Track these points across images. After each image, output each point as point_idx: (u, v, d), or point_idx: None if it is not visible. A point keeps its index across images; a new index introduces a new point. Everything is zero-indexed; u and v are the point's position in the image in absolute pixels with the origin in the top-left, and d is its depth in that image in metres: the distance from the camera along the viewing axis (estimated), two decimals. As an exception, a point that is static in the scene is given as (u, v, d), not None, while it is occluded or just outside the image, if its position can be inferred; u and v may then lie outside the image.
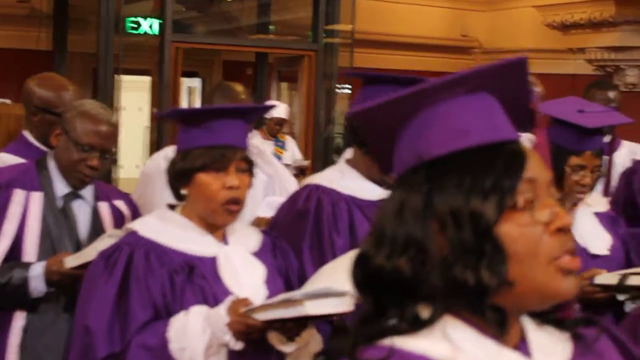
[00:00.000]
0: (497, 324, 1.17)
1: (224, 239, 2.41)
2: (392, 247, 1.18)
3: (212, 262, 2.33)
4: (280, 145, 7.62)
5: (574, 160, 2.93)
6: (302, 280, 2.49)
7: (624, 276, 2.72)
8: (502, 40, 9.97)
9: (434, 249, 1.16)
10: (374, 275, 1.19)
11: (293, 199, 2.76)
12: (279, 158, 7.51)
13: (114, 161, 2.93)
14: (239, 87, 3.47)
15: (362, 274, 1.22)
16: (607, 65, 9.20)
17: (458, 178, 1.17)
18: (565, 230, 1.17)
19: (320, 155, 8.34)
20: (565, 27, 9.28)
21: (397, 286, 1.18)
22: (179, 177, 2.36)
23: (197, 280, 2.28)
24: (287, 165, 7.29)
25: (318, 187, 2.72)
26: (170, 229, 2.35)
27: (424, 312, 1.17)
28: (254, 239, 2.49)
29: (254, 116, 2.57)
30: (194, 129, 2.34)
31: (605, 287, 2.78)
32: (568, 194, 2.97)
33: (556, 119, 2.99)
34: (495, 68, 1.22)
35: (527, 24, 9.63)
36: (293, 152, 7.73)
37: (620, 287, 2.74)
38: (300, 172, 7.55)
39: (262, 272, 2.39)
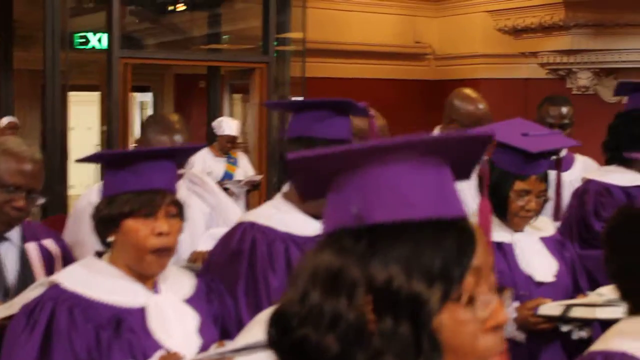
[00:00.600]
0: None
1: (154, 287, 2.30)
2: (319, 319, 1.08)
3: (141, 313, 2.23)
4: (233, 162, 7.51)
5: (519, 185, 2.87)
6: (238, 326, 2.39)
7: (568, 307, 2.67)
8: (455, 46, 9.95)
9: (368, 331, 1.07)
10: (297, 344, 1.10)
11: (227, 238, 2.66)
12: (231, 176, 7.41)
13: (43, 200, 2.80)
14: (173, 117, 3.36)
15: (279, 336, 1.12)
16: (559, 68, 9.22)
17: (403, 253, 1.08)
18: (501, 328, 1.11)
19: (275, 168, 8.26)
20: (516, 32, 9.29)
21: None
22: (105, 223, 2.26)
23: (125, 335, 2.18)
24: (239, 182, 7.21)
25: (253, 225, 2.62)
26: (96, 280, 2.25)
27: None
28: (187, 284, 2.39)
29: (184, 157, 2.47)
30: (120, 172, 2.24)
31: (548, 318, 2.73)
32: (512, 219, 2.92)
33: (500, 143, 2.93)
34: (459, 140, 1.14)
35: (479, 29, 9.62)
36: (245, 168, 7.63)
37: (564, 318, 2.69)
38: (253, 188, 7.46)
39: (195, 321, 2.30)
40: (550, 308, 2.72)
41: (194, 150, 2.62)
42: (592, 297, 2.75)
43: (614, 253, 1.81)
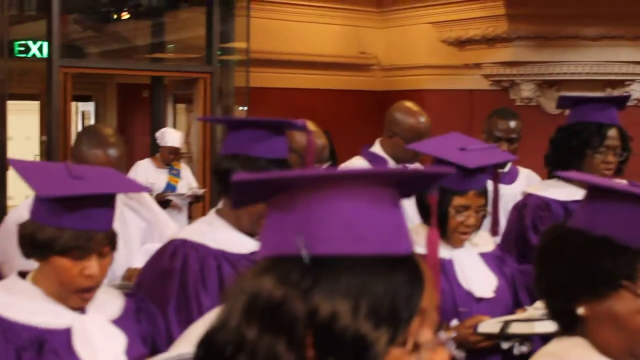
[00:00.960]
0: None
1: (80, 308, 2.23)
2: (253, 353, 1.01)
3: (66, 334, 2.16)
4: (175, 174, 7.41)
5: (458, 201, 2.85)
6: (169, 345, 2.33)
7: (506, 324, 2.65)
8: (399, 56, 9.97)
9: None
10: None
11: (158, 256, 2.60)
12: (174, 187, 7.32)
13: None
14: (107, 130, 3.29)
15: None
16: (502, 80, 9.29)
17: (351, 289, 1.00)
18: None
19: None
20: (460, 43, 9.34)
21: None
22: (33, 248, 2.17)
23: (48, 357, 2.11)
24: (181, 195, 7.13)
25: (185, 243, 2.56)
26: (18, 301, 2.17)
27: None
28: (115, 304, 2.32)
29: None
30: (56, 204, 2.11)
31: (488, 336, 2.71)
32: (452, 236, 2.90)
33: (438, 158, 2.92)
34: (417, 175, 1.08)
35: (423, 40, 9.65)
36: (188, 180, 7.55)
37: (503, 335, 2.67)
38: (195, 200, 7.38)
39: (123, 342, 2.23)
40: (489, 325, 2.70)
41: (141, 189, 2.56)
42: (530, 311, 2.74)
43: (544, 271, 1.78)
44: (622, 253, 1.64)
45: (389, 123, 4.09)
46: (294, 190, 1.06)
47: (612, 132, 3.50)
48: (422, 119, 4.05)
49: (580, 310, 1.70)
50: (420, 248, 2.83)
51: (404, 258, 1.04)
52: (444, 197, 2.85)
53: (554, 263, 1.74)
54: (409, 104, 4.17)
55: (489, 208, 2.97)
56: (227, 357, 1.02)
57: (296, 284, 1.01)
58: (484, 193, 2.90)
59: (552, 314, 1.79)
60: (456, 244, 2.92)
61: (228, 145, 2.62)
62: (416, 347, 1.01)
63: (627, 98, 3.84)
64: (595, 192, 1.76)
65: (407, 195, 1.13)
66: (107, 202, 2.15)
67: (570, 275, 1.70)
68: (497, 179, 3.17)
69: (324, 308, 0.99)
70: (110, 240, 2.18)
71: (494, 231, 3.18)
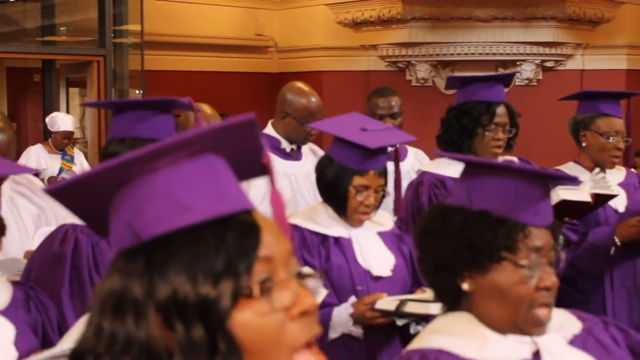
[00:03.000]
0: None
1: None
2: (112, 346, 1.02)
3: (-50, 326, 2.08)
4: (68, 160, 7.24)
5: (358, 181, 2.86)
6: (64, 332, 2.27)
7: (402, 302, 2.69)
8: (296, 38, 9.96)
9: (160, 349, 1.00)
10: None
11: (48, 241, 2.53)
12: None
13: None
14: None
15: None
16: (398, 61, 9.39)
17: (183, 261, 1.01)
18: (310, 313, 1.04)
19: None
20: (356, 25, 9.39)
21: None
22: None
23: None
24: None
25: (75, 227, 2.50)
26: None
27: None
28: (3, 294, 2.24)
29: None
30: None
31: (384, 313, 2.74)
32: (352, 215, 2.91)
33: (339, 138, 2.92)
34: (222, 129, 1.07)
35: (319, 22, 9.67)
36: (82, 166, 7.39)
37: (398, 313, 2.70)
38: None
39: (11, 333, 2.16)
40: (386, 303, 2.74)
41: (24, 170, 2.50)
42: (429, 293, 2.77)
43: (426, 250, 1.81)
44: (500, 225, 1.68)
45: (281, 103, 4.08)
46: (118, 183, 1.06)
47: (501, 110, 3.57)
48: (314, 99, 4.07)
49: (465, 286, 1.73)
50: (317, 226, 2.83)
51: (235, 216, 1.04)
52: (344, 176, 2.86)
53: (436, 241, 1.77)
54: (300, 84, 4.17)
55: (389, 188, 3.00)
56: (90, 351, 1.03)
57: (134, 272, 1.03)
58: (383, 173, 2.92)
59: (437, 293, 1.81)
60: (356, 223, 2.93)
61: (115, 128, 2.57)
62: (266, 293, 1.02)
63: (512, 75, 3.93)
64: (470, 169, 1.80)
65: (250, 168, 1.13)
66: None
67: (453, 251, 1.73)
68: (398, 159, 3.20)
69: (162, 289, 1.00)
70: None
71: (397, 210, 3.22)
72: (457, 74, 8.21)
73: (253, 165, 1.15)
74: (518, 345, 1.70)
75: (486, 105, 3.55)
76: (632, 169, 4.00)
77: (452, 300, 1.77)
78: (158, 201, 1.04)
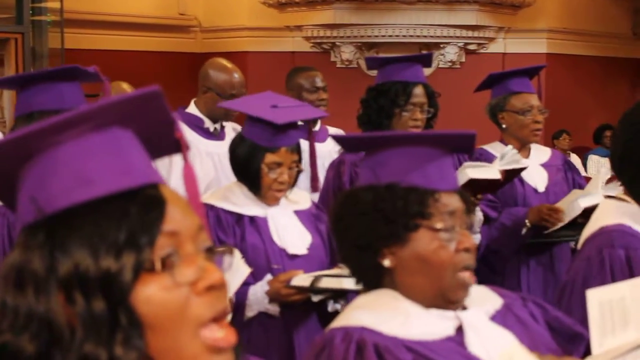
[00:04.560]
0: None
1: None
2: (15, 321, 1.00)
3: None
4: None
5: (270, 158, 2.85)
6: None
7: (317, 278, 2.69)
8: (220, 18, 9.87)
9: (61, 324, 0.99)
10: None
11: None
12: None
13: None
14: None
15: None
16: (323, 42, 9.39)
17: (85, 235, 0.99)
18: (216, 288, 1.03)
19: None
20: (281, 5, 9.35)
21: None
22: None
23: None
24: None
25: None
26: None
27: None
28: None
29: None
30: None
31: (299, 289, 2.74)
32: (266, 193, 2.90)
33: (250, 116, 2.91)
34: (126, 101, 1.05)
35: (244, 2, 9.60)
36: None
37: (313, 289, 2.71)
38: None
39: None
40: (302, 279, 2.74)
41: None
42: (344, 269, 2.78)
43: (342, 235, 1.81)
44: (410, 193, 1.70)
45: (203, 79, 4.07)
46: (23, 156, 1.04)
47: (418, 90, 3.60)
48: (236, 75, 4.06)
49: (387, 262, 1.74)
50: (232, 206, 2.80)
51: (138, 190, 1.03)
52: (256, 154, 2.85)
53: (351, 223, 1.77)
54: (222, 60, 4.15)
55: (303, 166, 2.99)
56: None
57: (34, 246, 1.01)
58: (296, 149, 2.91)
59: (359, 275, 1.82)
60: (271, 201, 2.92)
61: (20, 105, 2.52)
62: (169, 267, 1.01)
63: (430, 56, 3.95)
64: (371, 146, 1.81)
65: (164, 145, 1.12)
66: None
67: (369, 229, 1.73)
68: (312, 137, 3.19)
69: (64, 264, 0.99)
70: None
71: (313, 187, 3.21)
72: (382, 55, 8.24)
73: (166, 140, 1.13)
74: (441, 321, 1.71)
75: (403, 85, 3.58)
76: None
77: (375, 281, 1.77)
78: (61, 175, 1.03)
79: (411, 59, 3.73)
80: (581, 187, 3.89)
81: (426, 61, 3.81)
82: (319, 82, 4.48)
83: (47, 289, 0.99)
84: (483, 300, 1.81)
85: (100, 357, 0.97)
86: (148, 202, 1.03)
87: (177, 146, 1.13)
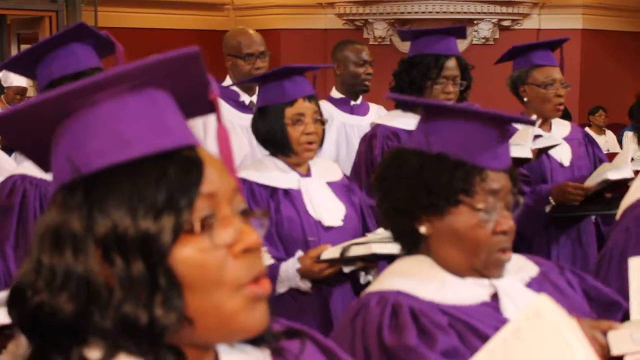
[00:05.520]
0: None
1: None
2: (51, 280, 1.00)
3: None
4: (21, 116, 7.10)
5: (290, 112, 2.85)
6: (9, 284, 2.24)
7: (346, 248, 2.67)
8: (253, -4, 9.88)
9: (99, 284, 0.99)
10: (33, 313, 1.00)
11: (-5, 192, 2.49)
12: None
13: None
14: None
15: (19, 311, 1.02)
16: (355, 19, 9.35)
17: (123, 195, 0.99)
18: (252, 250, 1.03)
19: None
20: (313, -18, 9.33)
21: (60, 326, 1.00)
22: None
23: None
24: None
25: (24, 178, 2.47)
26: None
27: (95, 353, 1.00)
28: None
29: None
30: None
31: (330, 262, 2.73)
32: (297, 148, 2.88)
33: (260, 82, 2.97)
34: (163, 61, 1.04)
35: (277, -21, 9.59)
36: (35, 122, 7.25)
37: (344, 259, 2.69)
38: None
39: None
40: (331, 252, 2.73)
41: None
42: (370, 236, 2.77)
43: (384, 194, 1.80)
44: (457, 168, 1.68)
45: (224, 50, 4.13)
46: (59, 116, 1.04)
47: (450, 63, 3.57)
48: (250, 32, 4.15)
49: (423, 229, 1.73)
50: (265, 179, 2.80)
51: (175, 151, 1.03)
52: (276, 115, 2.85)
53: (394, 185, 1.76)
54: (240, 26, 4.20)
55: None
56: (30, 298, 1.01)
57: (72, 206, 1.01)
58: (313, 99, 2.90)
59: (396, 236, 1.81)
60: (305, 157, 2.89)
61: (41, 79, 2.52)
62: (207, 228, 1.01)
63: (463, 28, 3.90)
64: (429, 112, 1.79)
65: (198, 104, 1.12)
66: None
67: (411, 194, 1.73)
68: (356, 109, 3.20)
69: (101, 223, 0.99)
70: None
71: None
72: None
73: (200, 101, 1.13)
74: (476, 288, 1.71)
75: (435, 57, 3.55)
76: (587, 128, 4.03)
77: (411, 244, 1.77)
78: (99, 135, 1.02)
79: (444, 31, 3.70)
80: (602, 160, 3.84)
81: (460, 34, 3.77)
82: (366, 56, 4.46)
83: (85, 249, 0.99)
84: (519, 268, 1.80)
85: (140, 318, 0.98)
86: (186, 163, 1.02)
87: (211, 107, 1.13)
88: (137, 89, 1.04)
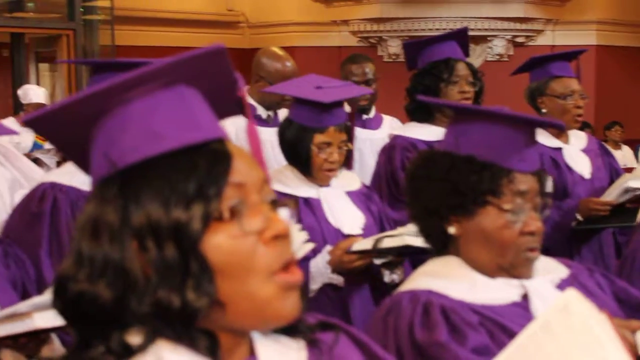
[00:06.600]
0: (208, 350, 1.06)
1: None
2: (91, 269, 1.05)
3: None
4: (41, 132, 7.15)
5: (319, 138, 2.88)
6: (42, 290, 2.27)
7: (378, 240, 2.69)
8: (268, 14, 9.94)
9: (135, 271, 1.04)
10: (75, 302, 1.05)
11: (26, 200, 2.53)
12: (41, 146, 7.08)
13: None
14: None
15: (62, 301, 1.07)
16: (370, 36, 9.40)
17: (156, 187, 1.04)
18: (282, 237, 1.07)
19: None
20: (328, 0, 9.37)
21: (100, 312, 1.04)
22: None
23: None
24: (48, 151, 6.90)
25: (54, 186, 2.50)
26: None
27: (135, 338, 1.05)
28: None
29: None
30: None
31: (362, 253, 2.75)
32: (318, 174, 2.92)
33: (296, 98, 2.95)
34: (191, 58, 1.09)
35: (291, -3, 9.65)
36: (54, 138, 7.30)
37: (375, 250, 2.71)
38: (63, 159, 7.16)
39: (-9, 287, 2.16)
40: (362, 244, 2.75)
41: None
42: (401, 229, 2.79)
43: (414, 195, 1.83)
44: (485, 170, 1.71)
45: (255, 67, 4.09)
46: (94, 114, 1.09)
47: (460, 64, 3.60)
48: (288, 63, 4.08)
49: (452, 230, 1.76)
50: (285, 187, 2.82)
51: (205, 144, 1.08)
52: (305, 136, 2.87)
53: (424, 186, 1.79)
54: (275, 49, 4.19)
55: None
56: (71, 288, 1.06)
57: (109, 198, 1.06)
58: (344, 128, 2.93)
59: (426, 237, 1.84)
60: (323, 181, 2.94)
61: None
62: (237, 216, 1.06)
63: (465, 31, 3.90)
64: (459, 115, 1.82)
65: (227, 104, 1.16)
66: None
67: (440, 195, 1.76)
68: (353, 118, 3.23)
69: (136, 213, 1.04)
70: None
71: (347, 165, 3.25)
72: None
73: (228, 100, 1.17)
74: (507, 288, 1.73)
75: (444, 61, 3.58)
76: (604, 142, 4.03)
77: (441, 244, 1.80)
78: (132, 130, 1.07)
79: (447, 36, 3.73)
80: (617, 171, 3.85)
81: (461, 37, 3.79)
82: (370, 75, 4.46)
83: (121, 238, 1.04)
84: (549, 270, 1.82)
85: (173, 302, 1.02)
86: (215, 155, 1.07)
87: (240, 106, 1.17)
88: (167, 86, 1.09)
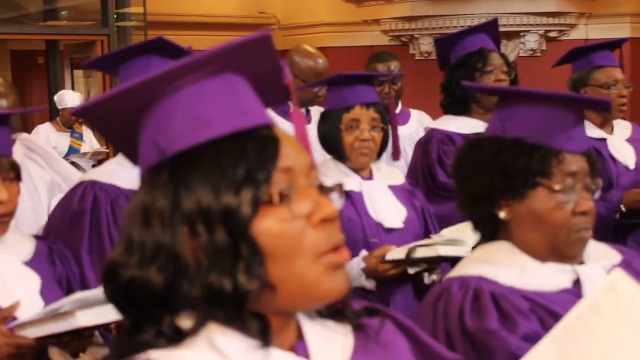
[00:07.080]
0: (259, 332, 1.06)
1: None
2: (142, 255, 1.06)
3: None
4: (78, 137, 7.24)
5: (347, 117, 2.89)
6: (84, 287, 2.29)
7: (411, 250, 2.69)
8: (299, 15, 9.94)
9: (186, 256, 1.05)
10: (126, 287, 1.06)
11: (67, 198, 2.55)
12: (77, 151, 7.16)
13: None
14: (-2, 80, 3.23)
15: (113, 287, 1.09)
16: (402, 35, 9.36)
17: (206, 173, 1.06)
18: (330, 221, 1.08)
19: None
20: (359, 0, 9.36)
21: (151, 297, 1.06)
22: None
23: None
24: (84, 155, 6.98)
25: (94, 184, 2.53)
26: None
27: (186, 322, 1.06)
28: (27, 247, 2.27)
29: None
30: None
31: (395, 262, 2.74)
32: (353, 156, 2.91)
33: (327, 89, 3.01)
34: (237, 46, 1.10)
35: (322, -2, 9.65)
36: (91, 143, 7.39)
37: (409, 260, 2.70)
38: (99, 163, 7.23)
39: (37, 283, 2.19)
40: (396, 253, 2.74)
41: (22, 112, 2.50)
42: (435, 238, 2.79)
43: (462, 183, 1.82)
44: (534, 151, 1.69)
45: (297, 68, 4.11)
46: (143, 104, 1.11)
47: (494, 54, 3.59)
48: (321, 61, 4.12)
49: (502, 214, 1.75)
50: (327, 180, 2.85)
51: (252, 130, 1.09)
52: (334, 119, 2.90)
53: (472, 172, 1.78)
54: (307, 46, 4.22)
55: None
56: (122, 274, 1.07)
57: (159, 185, 1.07)
58: (373, 106, 2.92)
59: (476, 224, 1.83)
60: (360, 165, 2.92)
61: (121, 81, 2.60)
62: (286, 200, 1.07)
63: (496, 21, 3.87)
64: (504, 99, 1.81)
65: (273, 92, 1.18)
66: (2, 122, 2.13)
67: (489, 180, 1.75)
68: (391, 101, 3.26)
69: (187, 199, 1.06)
70: (13, 166, 2.13)
71: (395, 155, 3.23)
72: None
73: (275, 88, 1.18)
74: (559, 274, 1.72)
75: (478, 52, 3.57)
76: None
77: (492, 230, 1.79)
78: (181, 118, 1.09)
79: (478, 28, 3.72)
80: None
81: (492, 29, 3.77)
82: (396, 72, 4.48)
83: (172, 224, 1.05)
84: (602, 256, 1.80)
85: (224, 286, 1.03)
86: (263, 141, 1.08)
87: (286, 93, 1.18)
88: (214, 74, 1.11)
